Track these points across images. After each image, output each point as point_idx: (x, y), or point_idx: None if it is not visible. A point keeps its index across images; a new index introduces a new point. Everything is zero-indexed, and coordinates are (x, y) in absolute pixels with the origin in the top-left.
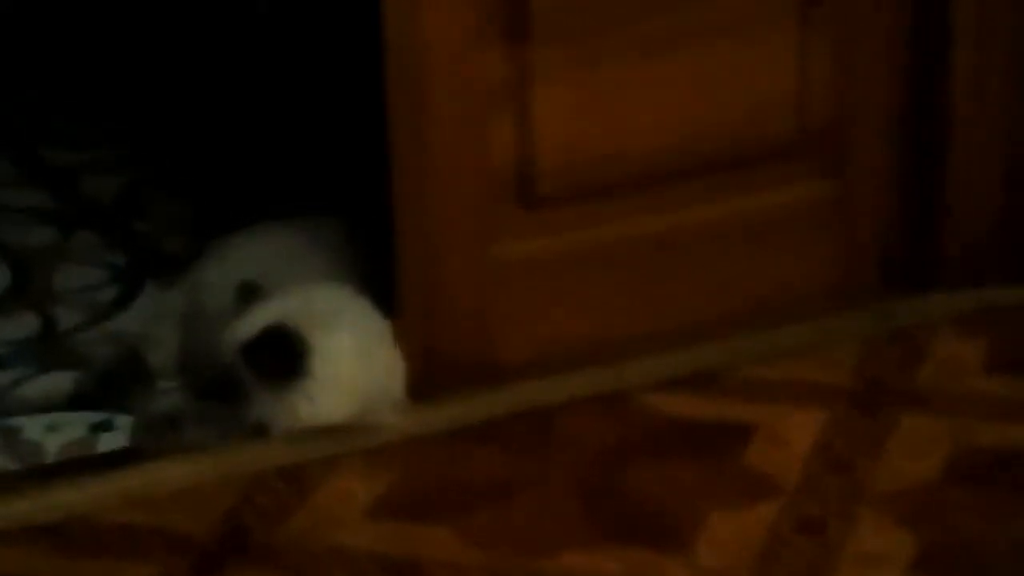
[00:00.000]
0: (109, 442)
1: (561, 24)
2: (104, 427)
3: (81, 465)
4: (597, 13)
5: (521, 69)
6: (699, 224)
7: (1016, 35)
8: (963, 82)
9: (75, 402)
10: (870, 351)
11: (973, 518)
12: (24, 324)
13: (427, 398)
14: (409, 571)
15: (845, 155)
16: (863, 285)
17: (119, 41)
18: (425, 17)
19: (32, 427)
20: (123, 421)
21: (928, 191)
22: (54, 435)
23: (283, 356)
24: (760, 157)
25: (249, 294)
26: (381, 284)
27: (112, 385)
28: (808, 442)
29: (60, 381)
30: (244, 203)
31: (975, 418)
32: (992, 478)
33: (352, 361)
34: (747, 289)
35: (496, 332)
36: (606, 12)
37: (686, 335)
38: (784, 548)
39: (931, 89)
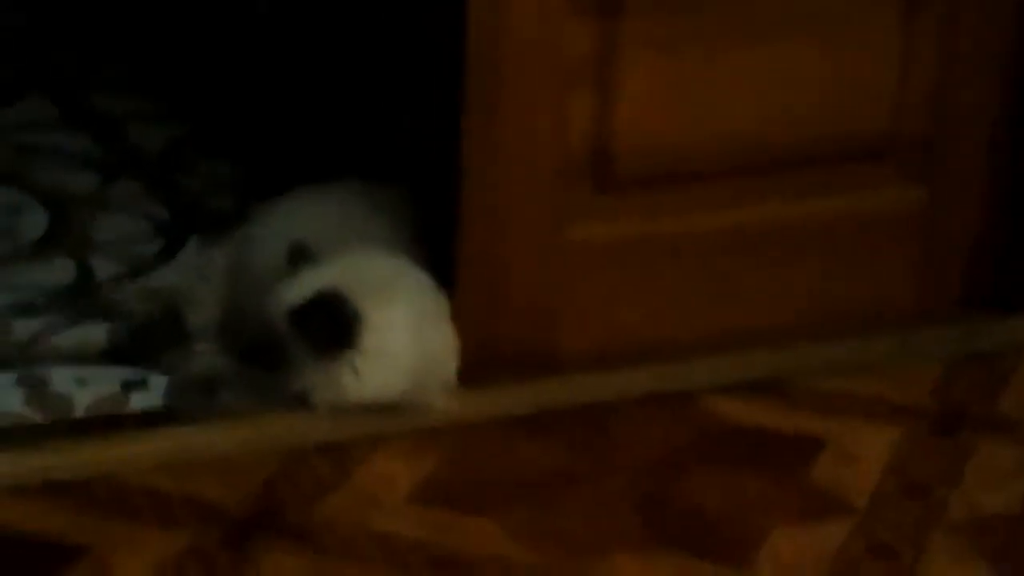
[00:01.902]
0: (142, 401)
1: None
2: (137, 385)
3: (111, 423)
4: None
5: (608, 44)
6: (781, 221)
7: None
8: None
9: (108, 356)
10: (950, 371)
11: None
12: (59, 271)
13: (480, 383)
14: (450, 563)
15: (938, 163)
16: (946, 301)
17: None
18: None
19: (61, 379)
20: (157, 380)
21: (1021, 208)
22: (84, 389)
23: (333, 325)
24: (850, 157)
25: (300, 256)
26: (441, 257)
27: (148, 341)
28: (881, 462)
29: (94, 333)
30: (296, 164)
31: None
32: None
33: (404, 337)
34: (825, 295)
35: (558, 319)
36: None
37: (757, 338)
38: (853, 572)
39: None
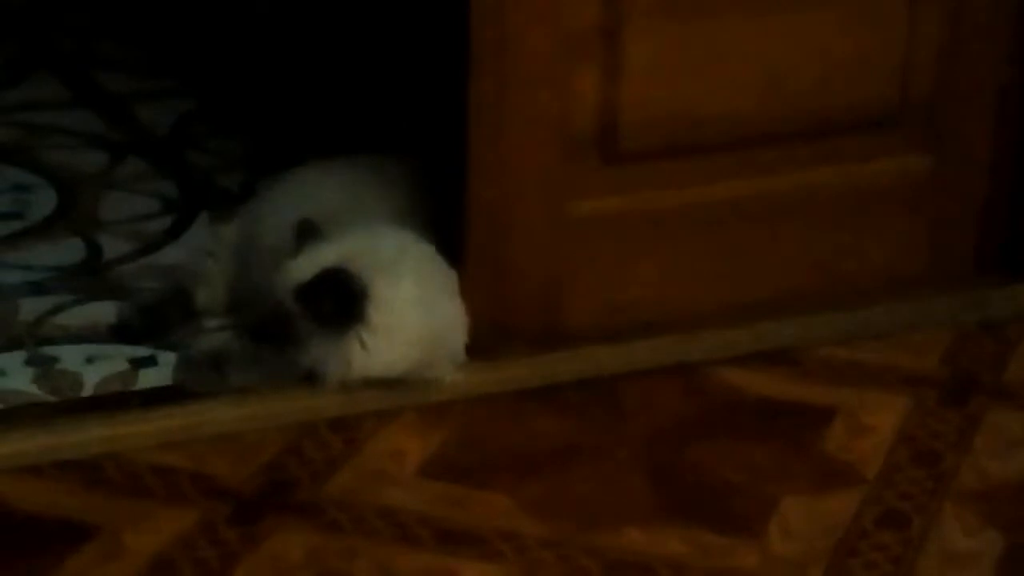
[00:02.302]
0: (150, 379)
1: None
2: (146, 363)
3: (120, 401)
4: None
5: (614, 15)
6: (788, 191)
7: None
8: None
9: (117, 334)
10: (959, 339)
11: None
12: (68, 250)
13: (489, 356)
14: (460, 537)
15: (945, 130)
16: (955, 269)
17: None
18: None
19: (70, 357)
20: (166, 358)
21: None
22: (93, 367)
23: (340, 300)
24: (856, 126)
25: (307, 233)
26: (448, 231)
27: (156, 319)
28: (891, 431)
29: (102, 311)
30: (304, 140)
31: None
32: None
33: (412, 311)
34: (833, 264)
35: (566, 292)
36: None
37: (766, 308)
38: (864, 541)
39: None
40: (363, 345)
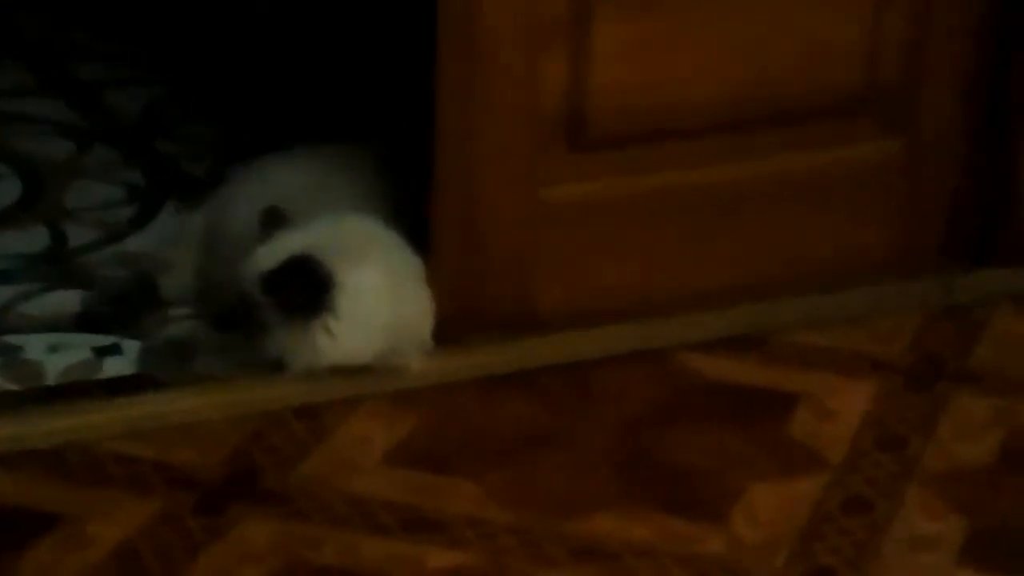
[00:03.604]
0: (115, 367)
1: None
2: (110, 351)
3: (83, 390)
4: None
5: (582, 3)
6: (756, 177)
7: None
8: None
9: (81, 323)
10: (926, 324)
11: None
12: (33, 238)
13: (457, 343)
14: (428, 525)
15: (914, 115)
16: (923, 254)
17: None
18: None
19: (34, 346)
20: (131, 346)
21: (999, 160)
22: (56, 356)
23: (306, 288)
24: (825, 111)
25: (274, 221)
26: (415, 218)
27: (121, 308)
28: (857, 415)
29: (67, 300)
30: (273, 127)
31: None
32: None
33: (379, 298)
34: (801, 250)
35: (535, 278)
36: None
37: (734, 294)
38: (828, 526)
39: (1009, 52)
40: (329, 333)
